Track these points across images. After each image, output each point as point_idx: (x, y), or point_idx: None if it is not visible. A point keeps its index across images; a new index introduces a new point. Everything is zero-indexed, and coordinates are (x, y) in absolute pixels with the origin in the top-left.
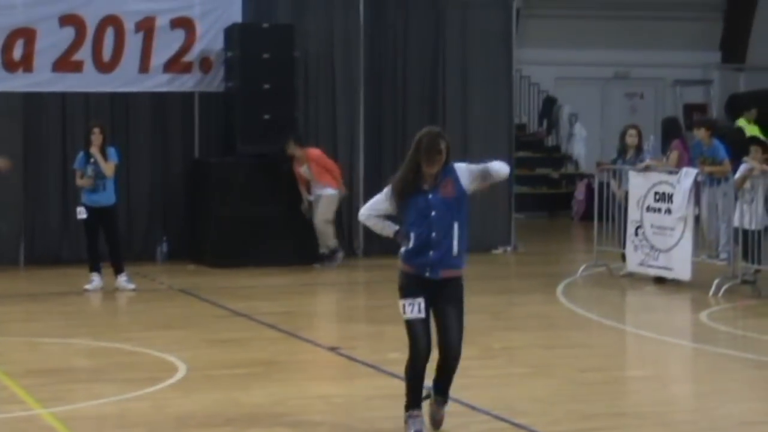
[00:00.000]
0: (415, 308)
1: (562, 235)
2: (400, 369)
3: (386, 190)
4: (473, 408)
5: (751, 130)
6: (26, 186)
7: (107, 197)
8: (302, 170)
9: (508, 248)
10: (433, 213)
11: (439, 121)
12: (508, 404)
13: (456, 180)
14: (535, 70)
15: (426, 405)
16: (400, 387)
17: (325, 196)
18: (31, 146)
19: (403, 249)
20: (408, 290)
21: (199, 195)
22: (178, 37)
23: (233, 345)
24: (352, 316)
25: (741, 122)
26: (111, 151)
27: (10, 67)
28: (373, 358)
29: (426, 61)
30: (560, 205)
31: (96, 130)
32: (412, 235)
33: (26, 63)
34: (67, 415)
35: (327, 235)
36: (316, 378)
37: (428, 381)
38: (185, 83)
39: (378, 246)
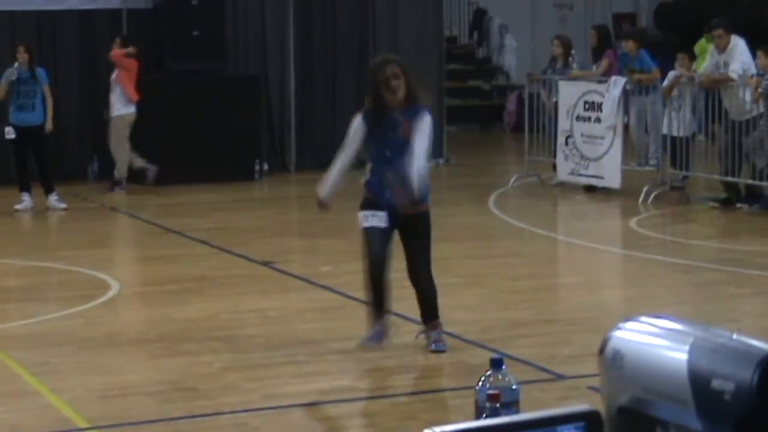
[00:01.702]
0: (374, 219)
1: (494, 146)
2: (333, 282)
3: (357, 118)
4: (405, 318)
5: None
6: None
7: (36, 117)
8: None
9: (440, 161)
10: (388, 153)
11: (369, 35)
12: (441, 314)
13: (413, 121)
14: None
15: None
16: (333, 299)
17: (127, 115)
18: None
19: (366, 177)
20: (369, 204)
21: None
22: None
23: (165, 262)
24: (284, 230)
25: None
26: (41, 72)
27: None
28: (306, 272)
29: None
30: (492, 117)
31: (21, 49)
32: (370, 166)
33: None
34: (0, 334)
35: (125, 159)
36: (250, 292)
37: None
38: (112, 0)
39: (310, 161)
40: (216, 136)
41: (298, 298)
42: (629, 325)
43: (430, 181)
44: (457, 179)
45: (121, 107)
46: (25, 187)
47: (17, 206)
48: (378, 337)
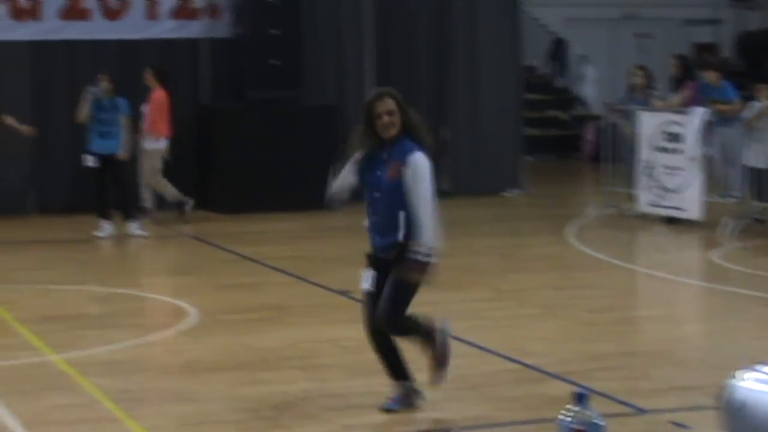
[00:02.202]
0: (365, 279)
1: (572, 176)
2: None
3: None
4: (483, 349)
5: None
6: (35, 135)
7: (115, 145)
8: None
9: (518, 191)
10: (376, 194)
11: (447, 66)
12: (518, 345)
13: (403, 167)
14: (544, 12)
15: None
16: None
17: (155, 150)
18: (39, 95)
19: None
20: (368, 261)
21: (208, 141)
22: None
23: (244, 290)
24: (361, 260)
25: None
26: (122, 102)
27: (18, 15)
28: None
29: (434, 4)
30: (569, 146)
31: (104, 78)
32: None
33: (33, 11)
34: (80, 361)
35: (165, 188)
36: (327, 321)
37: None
38: (193, 29)
39: None
40: (293, 164)
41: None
42: (751, 374)
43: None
44: (535, 209)
45: (151, 142)
46: (105, 215)
47: (97, 233)
48: (399, 401)
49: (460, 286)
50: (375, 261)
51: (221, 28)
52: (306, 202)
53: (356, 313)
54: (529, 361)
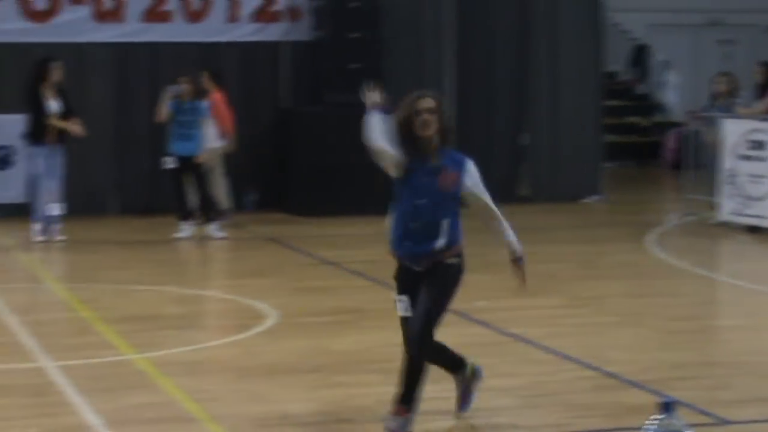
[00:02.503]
0: (401, 306)
1: (652, 183)
2: (489, 317)
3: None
4: (562, 356)
5: None
6: (117, 136)
7: (195, 147)
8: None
9: (597, 197)
10: (421, 201)
11: (528, 70)
12: (597, 353)
13: (461, 175)
14: (626, 17)
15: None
16: (488, 335)
17: (213, 149)
18: (122, 97)
19: (390, 232)
20: (398, 283)
21: (287, 144)
22: None
23: (322, 293)
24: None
25: None
26: (202, 105)
27: (101, 17)
28: (461, 307)
29: (515, 11)
30: (649, 153)
31: (184, 80)
32: (395, 215)
33: (116, 13)
34: (160, 361)
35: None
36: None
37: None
38: (273, 32)
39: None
40: (372, 168)
41: (453, 333)
42: None
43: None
44: (614, 216)
45: (214, 139)
46: (184, 216)
47: (177, 235)
48: (400, 427)
49: (538, 292)
50: (405, 277)
51: (302, 31)
52: (383, 206)
53: None
54: (607, 369)
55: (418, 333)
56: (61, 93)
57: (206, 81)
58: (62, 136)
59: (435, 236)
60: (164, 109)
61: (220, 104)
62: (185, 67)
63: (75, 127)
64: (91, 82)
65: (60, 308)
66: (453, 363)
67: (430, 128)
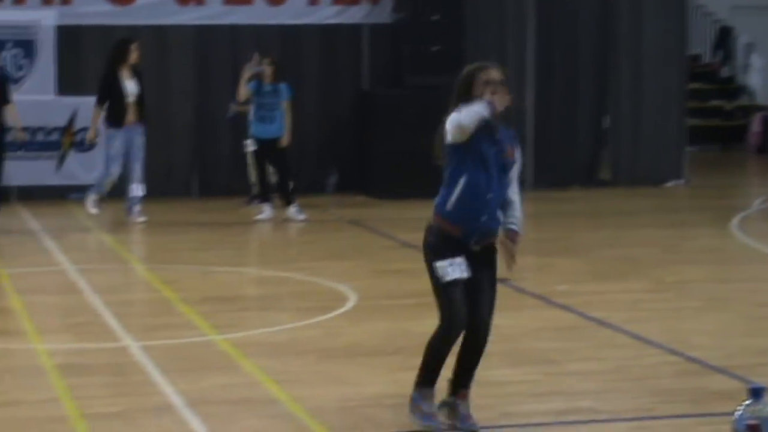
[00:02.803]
0: (456, 269)
1: (736, 168)
2: (570, 301)
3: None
4: (645, 340)
5: None
6: (198, 119)
7: (276, 129)
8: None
9: (680, 181)
10: (494, 171)
11: (611, 53)
12: (681, 338)
13: (516, 148)
14: (710, 0)
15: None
16: (569, 319)
17: None
18: (202, 79)
19: (442, 202)
20: (446, 250)
21: (368, 127)
22: None
23: (403, 275)
24: (520, 247)
25: None
26: (283, 87)
27: (183, 0)
28: (542, 290)
29: None
30: (733, 137)
31: (266, 61)
32: (460, 185)
33: None
34: (241, 342)
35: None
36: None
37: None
38: (354, 15)
39: (548, 178)
40: None
41: (534, 316)
42: None
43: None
44: (698, 201)
45: None
46: (265, 198)
47: (257, 217)
48: (468, 410)
49: (621, 276)
50: (452, 248)
51: (382, 13)
52: None
53: (515, 300)
54: (691, 354)
55: (489, 318)
56: (138, 74)
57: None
58: (141, 116)
59: (499, 212)
60: (244, 89)
61: None
62: (266, 50)
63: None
64: (173, 64)
65: (142, 288)
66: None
67: (504, 100)
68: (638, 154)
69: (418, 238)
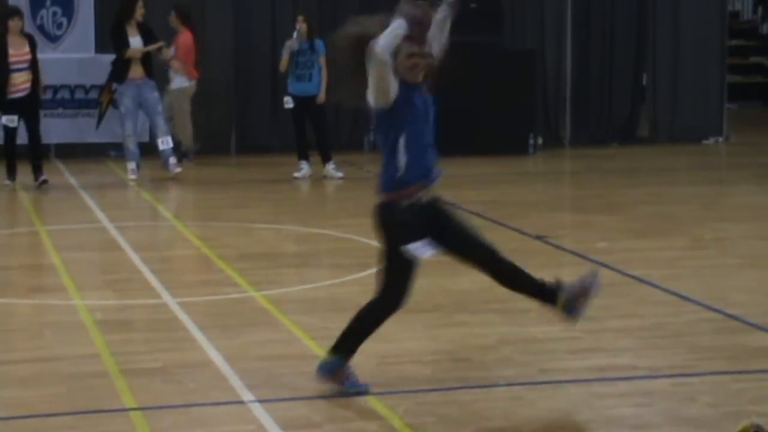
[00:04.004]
0: (428, 248)
1: None
2: (608, 258)
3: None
4: (683, 297)
5: None
6: (237, 78)
7: (313, 87)
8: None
9: (720, 138)
10: (431, 115)
11: (649, 11)
12: (720, 295)
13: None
14: None
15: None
16: (608, 276)
17: (180, 90)
18: (241, 39)
19: (390, 176)
20: (414, 228)
21: None
22: None
23: None
24: (558, 205)
25: None
26: (319, 43)
27: None
28: (581, 247)
29: None
30: None
31: (300, 19)
32: (401, 145)
33: None
34: (279, 298)
35: (185, 131)
36: (524, 266)
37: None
38: None
39: (585, 135)
40: (491, 109)
41: (572, 273)
42: None
43: None
44: (738, 158)
45: (180, 80)
46: (303, 156)
47: (296, 174)
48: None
49: (659, 233)
50: (421, 213)
51: None
52: (505, 146)
53: (554, 258)
54: (731, 311)
55: (489, 245)
56: (146, 30)
57: (174, 20)
58: (150, 70)
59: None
60: (285, 62)
61: (187, 44)
62: (303, 8)
63: (166, 51)
64: (211, 22)
65: (181, 245)
66: None
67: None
68: (677, 111)
69: (458, 195)
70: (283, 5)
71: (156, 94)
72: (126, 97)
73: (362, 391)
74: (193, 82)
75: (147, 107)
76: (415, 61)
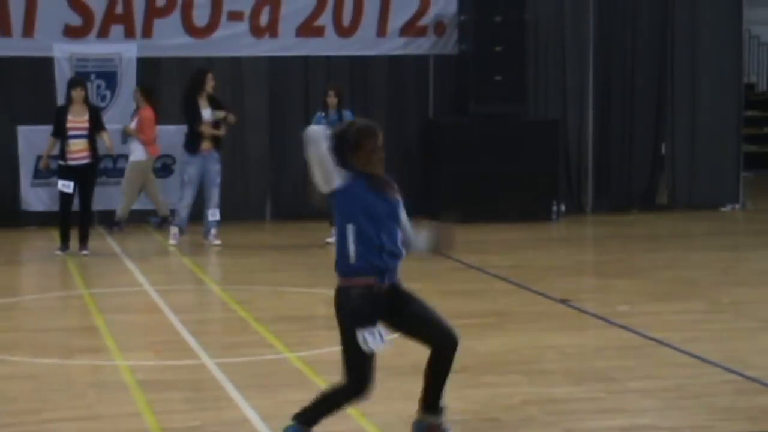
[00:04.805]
0: (377, 338)
1: None
2: (630, 321)
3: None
4: (703, 360)
5: None
6: (271, 145)
7: None
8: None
9: (737, 206)
10: (384, 216)
11: (668, 82)
12: (739, 357)
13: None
14: (766, 30)
15: None
16: (630, 339)
17: (137, 163)
18: (276, 107)
19: (343, 260)
20: (363, 315)
21: (433, 154)
22: (414, 1)
23: (467, 296)
24: (581, 269)
25: None
26: (347, 114)
27: (257, 33)
28: (603, 311)
29: (655, 24)
30: None
31: (330, 93)
32: (350, 234)
33: (272, 29)
34: (313, 359)
35: (129, 202)
36: (548, 329)
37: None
38: (420, 46)
39: (607, 202)
40: (515, 177)
41: (595, 335)
42: None
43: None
44: (754, 225)
45: (139, 153)
46: (333, 222)
47: (328, 239)
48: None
49: (678, 297)
50: (373, 301)
51: (447, 44)
52: (527, 212)
53: (577, 320)
54: (749, 373)
55: (445, 323)
56: (214, 102)
57: (137, 97)
58: (217, 144)
59: (399, 247)
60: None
61: (147, 120)
62: (335, 80)
63: (230, 117)
64: (248, 93)
65: (219, 308)
66: None
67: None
68: (695, 179)
69: (483, 260)
70: (317, 73)
71: (218, 166)
72: (192, 167)
73: None
74: (152, 157)
75: (208, 178)
76: (378, 155)
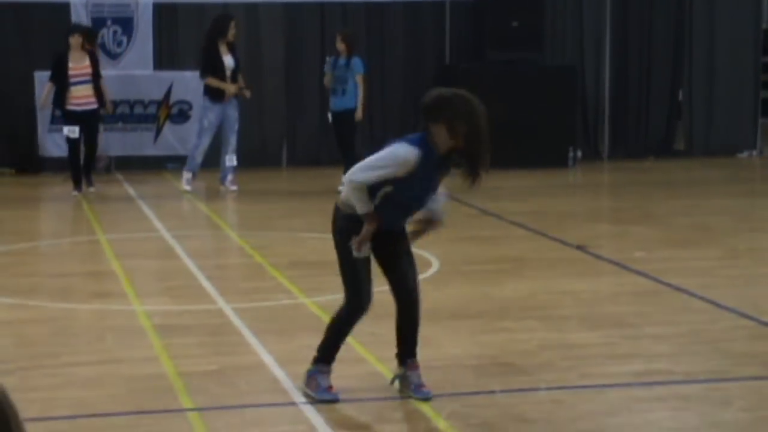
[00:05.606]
0: (367, 245)
1: None
2: (646, 267)
3: (404, 155)
4: (718, 305)
5: None
6: (287, 92)
7: (342, 102)
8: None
9: (754, 152)
10: (429, 194)
11: (685, 26)
12: (754, 303)
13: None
14: None
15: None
16: (646, 284)
17: None
18: (292, 54)
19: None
20: (353, 232)
21: None
22: None
23: (484, 242)
24: (597, 216)
25: None
26: (356, 61)
27: None
28: (619, 257)
29: None
30: None
31: (338, 38)
32: (380, 196)
33: None
34: (329, 304)
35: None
36: (564, 275)
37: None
38: None
39: (623, 149)
40: (532, 123)
41: (611, 281)
42: None
43: None
44: None
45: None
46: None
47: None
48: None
49: (694, 244)
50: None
51: None
52: (544, 159)
53: (593, 267)
54: (764, 319)
55: (415, 283)
56: (233, 50)
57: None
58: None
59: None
60: (328, 77)
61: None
62: (352, 26)
63: (246, 92)
64: (264, 40)
65: (235, 254)
66: None
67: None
68: (712, 126)
69: (499, 206)
70: (333, 21)
71: (237, 113)
72: (212, 113)
73: (329, 399)
74: None
75: (227, 124)
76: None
